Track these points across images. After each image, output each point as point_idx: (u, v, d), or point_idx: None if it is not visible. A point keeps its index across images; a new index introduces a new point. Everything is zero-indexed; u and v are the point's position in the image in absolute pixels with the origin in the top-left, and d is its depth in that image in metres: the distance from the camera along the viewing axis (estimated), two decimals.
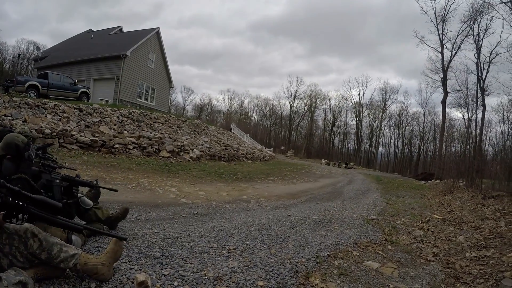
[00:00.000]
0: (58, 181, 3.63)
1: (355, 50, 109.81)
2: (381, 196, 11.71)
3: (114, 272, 2.80)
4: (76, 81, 22.84)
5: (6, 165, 3.12)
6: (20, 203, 2.34)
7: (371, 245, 4.81)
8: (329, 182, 15.58)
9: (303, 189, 11.88)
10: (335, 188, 13.12)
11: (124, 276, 2.79)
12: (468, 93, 38.93)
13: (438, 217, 8.19)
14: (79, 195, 3.84)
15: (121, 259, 3.09)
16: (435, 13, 40.22)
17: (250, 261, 3.54)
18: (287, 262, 3.60)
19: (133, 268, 2.99)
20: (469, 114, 40.57)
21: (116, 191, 4.96)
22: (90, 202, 3.90)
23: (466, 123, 41.11)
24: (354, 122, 70.07)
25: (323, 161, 44.87)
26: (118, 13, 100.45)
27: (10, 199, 2.29)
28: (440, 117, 45.01)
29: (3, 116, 12.56)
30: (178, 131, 21.66)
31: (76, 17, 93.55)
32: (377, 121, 67.75)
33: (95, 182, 4.41)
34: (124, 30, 38.41)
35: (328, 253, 4.13)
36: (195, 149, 16.75)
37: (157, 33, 33.00)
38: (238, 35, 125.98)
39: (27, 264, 2.45)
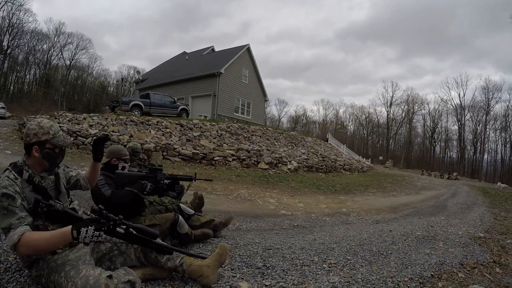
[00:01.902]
0: (162, 182, 4.12)
1: (448, 47, 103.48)
2: (488, 211, 10.90)
3: (218, 278, 2.93)
4: (176, 99, 24.28)
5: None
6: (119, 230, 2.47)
7: (477, 266, 4.54)
8: (431, 195, 14.87)
9: (404, 202, 11.50)
10: (438, 202, 12.48)
11: (227, 283, 2.91)
12: None
13: None
14: (181, 205, 4.14)
15: (224, 267, 3.24)
16: None
17: (351, 277, 3.51)
18: (389, 281, 3.54)
19: (235, 276, 3.12)
20: None
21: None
22: (192, 210, 4.22)
23: None
24: (456, 127, 65.54)
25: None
26: (209, 35, 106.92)
27: (111, 226, 2.38)
28: None
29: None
30: (275, 143, 21.99)
31: (170, 43, 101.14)
32: (481, 124, 62.10)
33: (194, 175, 4.65)
34: (216, 49, 40.17)
35: (432, 273, 3.98)
36: (292, 161, 16.90)
37: (247, 49, 33.92)
38: (326, 44, 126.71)
39: (138, 264, 2.71)
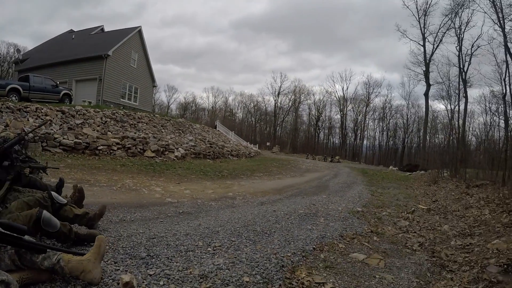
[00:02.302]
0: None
1: (337, 46, 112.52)
2: (366, 188, 11.79)
3: (102, 275, 2.75)
4: (58, 83, 22.54)
5: None
6: None
7: (356, 237, 4.83)
8: (314, 177, 15.63)
9: (289, 184, 11.90)
10: (320, 182, 13.15)
11: (109, 277, 2.75)
12: (451, 85, 40.22)
13: (423, 207, 8.26)
14: (53, 193, 3.68)
15: (106, 261, 3.06)
16: (416, 7, 41.57)
17: (235, 257, 3.52)
18: (273, 257, 3.60)
19: (119, 269, 2.96)
20: (452, 106, 41.80)
21: (57, 168, 5.07)
22: (64, 200, 3.76)
23: (449, 115, 42.25)
24: (339, 116, 70.94)
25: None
26: (101, 13, 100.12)
27: None
28: (424, 109, 46.11)
29: None
30: (163, 130, 21.55)
31: (58, 19, 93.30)
32: (361, 114, 68.38)
33: (45, 164, 4.47)
34: (106, 30, 37.98)
35: (314, 246, 4.14)
36: (180, 148, 16.68)
37: (139, 32, 32.87)
38: (221, 33, 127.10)
39: (14, 268, 2.42)
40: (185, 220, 5.21)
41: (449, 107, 43.55)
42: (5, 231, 2.33)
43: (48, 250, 2.53)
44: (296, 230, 4.91)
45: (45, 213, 3.18)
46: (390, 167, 32.42)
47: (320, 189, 10.68)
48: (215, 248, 3.80)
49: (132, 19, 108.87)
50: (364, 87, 69.04)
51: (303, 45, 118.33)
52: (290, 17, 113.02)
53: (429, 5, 39.84)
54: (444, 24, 38.44)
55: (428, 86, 41.17)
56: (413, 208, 7.84)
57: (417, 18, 41.27)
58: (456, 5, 35.58)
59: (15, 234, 2.35)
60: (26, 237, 2.44)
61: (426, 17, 40.61)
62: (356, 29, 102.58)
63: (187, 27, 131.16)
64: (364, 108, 67.68)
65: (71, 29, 41.29)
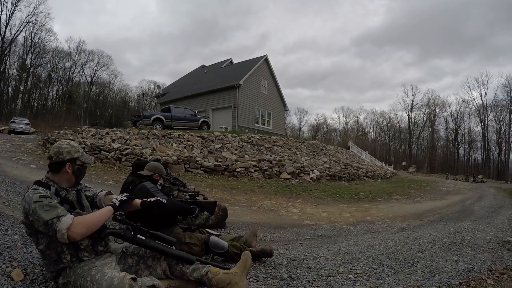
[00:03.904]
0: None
1: (466, 48, 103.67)
2: None
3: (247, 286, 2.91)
4: (196, 112, 24.50)
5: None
6: (138, 236, 2.65)
7: (507, 272, 4.45)
8: (457, 200, 14.59)
9: (429, 208, 11.30)
10: (464, 206, 12.26)
11: None
12: None
13: None
14: (213, 236, 3.86)
15: (249, 278, 3.25)
16: None
17: (377, 287, 3.50)
18: None
19: (260, 287, 3.14)
20: None
21: (203, 195, 5.76)
22: (225, 245, 3.80)
23: None
24: (479, 128, 64.05)
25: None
26: (227, 49, 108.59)
27: (132, 233, 2.62)
28: None
29: (134, 146, 14.11)
30: (297, 152, 21.90)
31: (190, 58, 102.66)
32: (505, 123, 60.61)
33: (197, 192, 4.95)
34: (234, 61, 40.62)
35: (460, 280, 3.93)
36: (315, 170, 16.84)
37: (265, 60, 34.16)
38: (343, 52, 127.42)
39: (164, 277, 2.73)
40: (325, 244, 5.31)
41: None
42: (158, 242, 2.68)
43: (196, 262, 2.79)
44: (441, 261, 4.70)
45: (213, 237, 3.65)
46: None
47: (464, 214, 9.99)
48: (356, 275, 3.80)
49: (256, 50, 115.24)
50: (505, 90, 60.85)
51: (430, 52, 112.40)
52: (410, 25, 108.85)
53: None
54: None
55: None
56: None
57: None
58: None
59: (165, 245, 2.69)
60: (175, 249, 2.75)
61: None
62: (482, 25, 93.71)
63: (309, 50, 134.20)
64: (508, 115, 59.76)
65: (203, 64, 45.12)
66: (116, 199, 2.68)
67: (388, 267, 4.25)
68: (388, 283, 3.64)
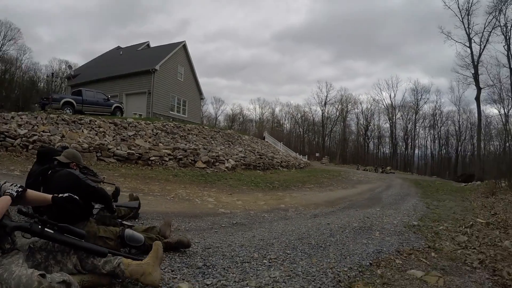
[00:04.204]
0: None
1: (380, 53, 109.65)
2: (421, 200, 11.45)
3: (162, 278, 2.84)
4: (109, 96, 23.38)
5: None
6: (46, 229, 2.46)
7: (414, 252, 4.69)
8: (366, 188, 15.38)
9: (341, 196, 11.76)
10: (373, 194, 12.92)
11: (167, 285, 2.84)
12: (502, 87, 38.00)
13: (482, 221, 7.90)
14: (128, 229, 3.61)
15: (164, 269, 3.15)
16: (458, 7, 39.66)
17: (291, 270, 3.52)
18: (329, 272, 3.57)
19: (176, 277, 3.04)
20: (506, 110, 39.53)
21: (113, 184, 5.46)
22: (142, 238, 3.58)
23: (503, 119, 40.08)
24: (388, 125, 69.15)
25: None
26: (147, 31, 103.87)
27: (39, 226, 2.42)
28: (476, 115, 43.62)
29: (41, 132, 13.06)
30: (212, 141, 21.82)
31: (107, 37, 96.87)
32: (411, 122, 66.53)
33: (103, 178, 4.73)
34: (152, 46, 39.23)
35: (370, 261, 4.06)
36: (230, 159, 16.86)
37: (184, 46, 33.56)
38: (263, 45, 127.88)
39: (75, 272, 2.58)
40: (239, 231, 5.28)
41: (502, 111, 41.50)
42: (67, 235, 2.50)
43: (109, 254, 2.66)
44: (352, 244, 4.85)
45: (128, 230, 3.44)
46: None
47: (373, 202, 10.50)
48: (270, 261, 3.81)
49: (176, 35, 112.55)
50: (412, 93, 66.82)
51: (346, 54, 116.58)
52: (330, 26, 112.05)
53: (471, 3, 37.98)
54: (489, 22, 36.51)
55: (479, 89, 39.03)
56: (471, 222, 7.51)
57: (460, 18, 39.37)
58: (499, 2, 33.97)
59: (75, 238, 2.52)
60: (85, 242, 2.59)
61: (469, 16, 38.57)
62: (397, 34, 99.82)
63: (230, 40, 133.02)
64: (414, 115, 65.77)
65: (118, 46, 42.77)
66: (11, 189, 2.42)
67: (301, 251, 4.29)
68: (301, 267, 3.67)
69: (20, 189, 2.45)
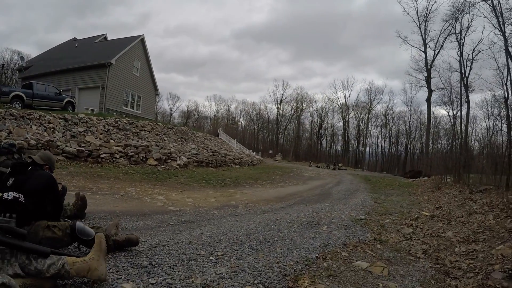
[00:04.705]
0: None
1: (338, 54, 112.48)
2: (369, 195, 11.76)
3: (107, 273, 2.79)
4: (61, 90, 22.50)
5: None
6: None
7: (360, 245, 4.80)
8: (317, 184, 15.61)
9: (291, 192, 11.88)
10: (323, 190, 13.13)
11: (111, 286, 2.76)
12: (452, 90, 40.20)
13: (427, 213, 8.22)
14: (79, 222, 3.52)
15: (108, 269, 3.05)
16: (417, 13, 41.39)
17: (238, 266, 3.52)
18: (275, 266, 3.59)
19: (120, 277, 2.97)
20: (454, 111, 41.81)
21: (60, 183, 5.15)
22: (92, 232, 3.48)
23: (452, 120, 42.28)
24: (341, 124, 71.03)
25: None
26: (105, 23, 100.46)
27: None
28: (426, 115, 46.10)
29: None
30: (165, 138, 21.57)
31: (63, 28, 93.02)
32: (363, 121, 68.64)
33: None
34: (110, 38, 37.97)
35: (317, 255, 4.12)
36: (182, 156, 16.67)
37: (141, 40, 32.83)
38: (223, 43, 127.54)
39: (19, 274, 2.45)
40: (188, 229, 5.22)
41: (451, 113, 43.56)
42: (7, 235, 2.41)
43: (51, 256, 2.56)
44: (299, 238, 4.90)
45: (79, 223, 3.34)
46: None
47: (323, 197, 10.67)
48: (217, 257, 3.80)
49: (136, 29, 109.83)
50: (366, 94, 69.88)
51: (304, 54, 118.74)
52: (290, 26, 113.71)
53: (430, 11, 39.80)
54: (445, 29, 38.40)
55: (430, 92, 41.04)
56: (416, 215, 7.80)
57: (418, 24, 41.21)
58: (456, 11, 35.56)
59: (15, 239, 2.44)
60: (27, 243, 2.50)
61: (426, 23, 40.50)
62: (356, 37, 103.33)
63: (189, 36, 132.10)
64: (367, 115, 67.82)
65: (75, 37, 41.10)
66: None
67: (248, 247, 4.30)
68: (248, 262, 3.68)
69: None
